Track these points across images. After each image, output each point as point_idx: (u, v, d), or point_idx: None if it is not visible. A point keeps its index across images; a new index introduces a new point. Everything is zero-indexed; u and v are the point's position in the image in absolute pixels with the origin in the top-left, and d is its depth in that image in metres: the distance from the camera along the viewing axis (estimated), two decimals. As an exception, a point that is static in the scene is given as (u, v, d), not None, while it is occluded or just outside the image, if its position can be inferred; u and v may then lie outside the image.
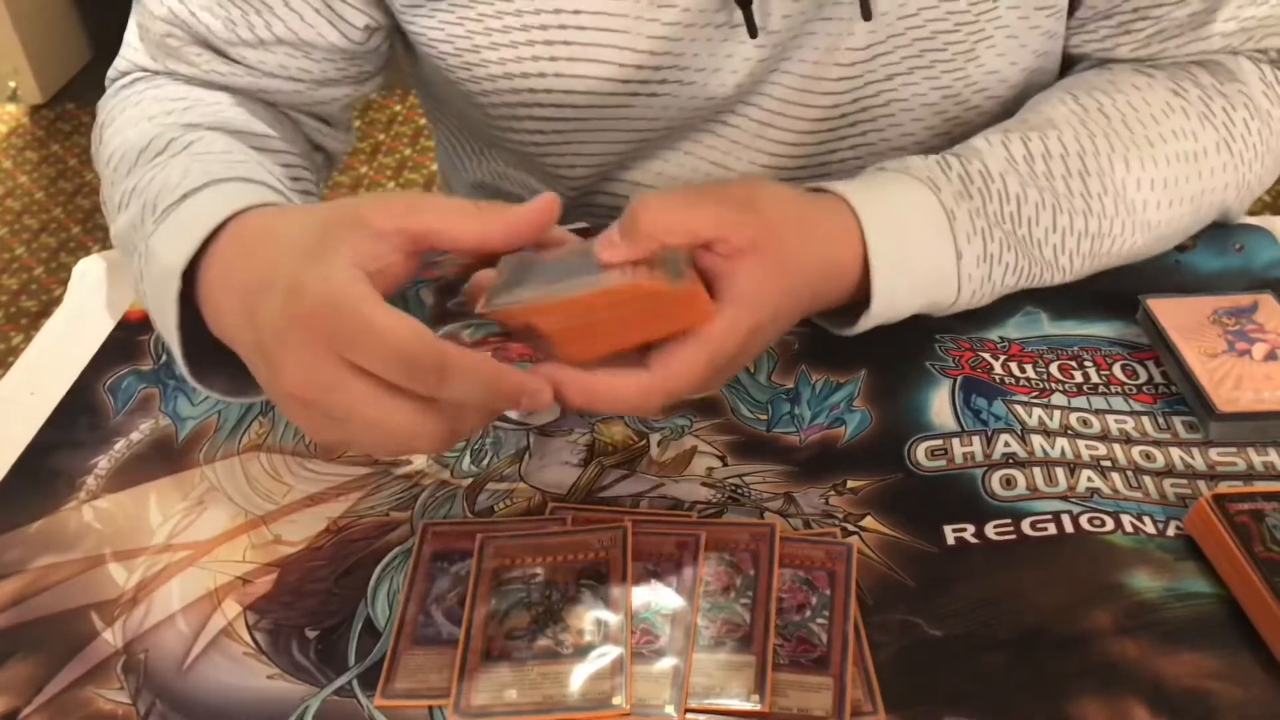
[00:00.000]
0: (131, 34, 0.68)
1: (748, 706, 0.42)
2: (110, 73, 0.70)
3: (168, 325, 0.51)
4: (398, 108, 2.92)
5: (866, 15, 0.61)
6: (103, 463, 0.56)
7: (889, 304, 0.57)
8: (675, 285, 0.44)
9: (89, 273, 0.72)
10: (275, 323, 0.44)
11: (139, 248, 0.54)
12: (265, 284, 0.45)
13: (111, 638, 0.47)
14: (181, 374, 0.52)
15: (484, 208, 0.46)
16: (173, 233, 0.51)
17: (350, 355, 0.42)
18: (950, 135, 0.69)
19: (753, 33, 0.61)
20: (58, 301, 0.72)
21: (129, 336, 0.65)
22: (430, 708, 0.43)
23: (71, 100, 3.05)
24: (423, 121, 2.87)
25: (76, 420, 0.59)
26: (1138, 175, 0.60)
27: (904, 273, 0.56)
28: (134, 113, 0.64)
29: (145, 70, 0.68)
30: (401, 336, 0.42)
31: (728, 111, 0.67)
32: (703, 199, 0.50)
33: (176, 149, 0.58)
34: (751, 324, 0.49)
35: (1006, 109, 0.68)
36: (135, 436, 0.58)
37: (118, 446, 0.57)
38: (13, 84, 3.03)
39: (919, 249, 0.56)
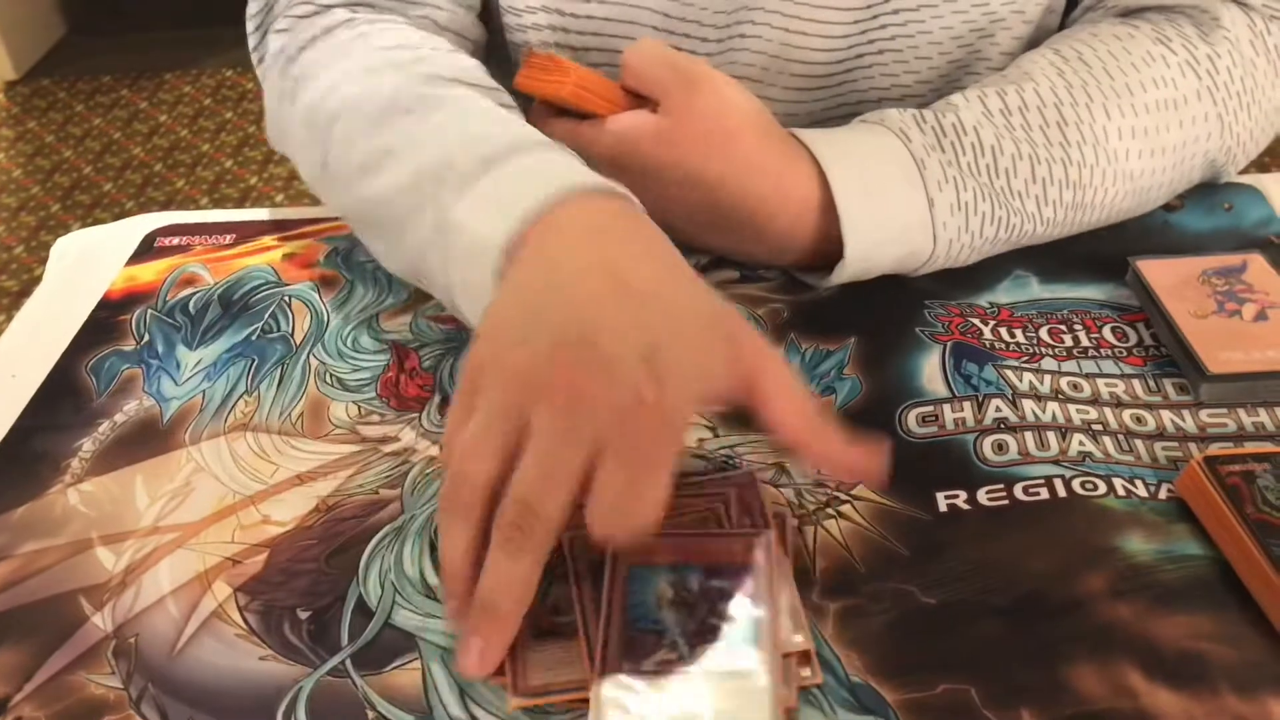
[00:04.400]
0: None
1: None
2: (250, 24, 0.68)
3: (473, 302, 0.49)
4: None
5: None
6: (87, 445, 0.55)
7: (862, 252, 0.57)
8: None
9: (68, 252, 0.72)
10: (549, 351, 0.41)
11: (426, 215, 0.52)
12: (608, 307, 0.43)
13: (101, 622, 0.47)
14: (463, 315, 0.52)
15: (821, 422, 0.45)
16: (495, 202, 0.49)
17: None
18: (973, 48, 0.69)
19: None
20: (38, 280, 0.71)
21: (110, 316, 0.64)
22: (424, 682, 0.43)
23: (46, 75, 3.01)
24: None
25: (59, 403, 0.58)
26: (1118, 124, 0.60)
27: (874, 218, 0.57)
28: (348, 65, 0.61)
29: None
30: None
31: (756, 9, 0.67)
32: (667, 62, 0.59)
33: (431, 104, 0.56)
34: (615, 148, 0.58)
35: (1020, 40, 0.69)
36: (119, 418, 0.57)
37: (102, 429, 0.56)
38: (-14, 60, 3.00)
39: (889, 195, 0.57)
